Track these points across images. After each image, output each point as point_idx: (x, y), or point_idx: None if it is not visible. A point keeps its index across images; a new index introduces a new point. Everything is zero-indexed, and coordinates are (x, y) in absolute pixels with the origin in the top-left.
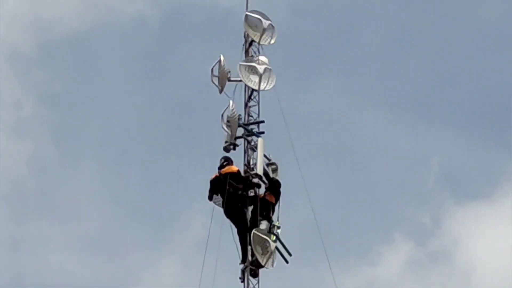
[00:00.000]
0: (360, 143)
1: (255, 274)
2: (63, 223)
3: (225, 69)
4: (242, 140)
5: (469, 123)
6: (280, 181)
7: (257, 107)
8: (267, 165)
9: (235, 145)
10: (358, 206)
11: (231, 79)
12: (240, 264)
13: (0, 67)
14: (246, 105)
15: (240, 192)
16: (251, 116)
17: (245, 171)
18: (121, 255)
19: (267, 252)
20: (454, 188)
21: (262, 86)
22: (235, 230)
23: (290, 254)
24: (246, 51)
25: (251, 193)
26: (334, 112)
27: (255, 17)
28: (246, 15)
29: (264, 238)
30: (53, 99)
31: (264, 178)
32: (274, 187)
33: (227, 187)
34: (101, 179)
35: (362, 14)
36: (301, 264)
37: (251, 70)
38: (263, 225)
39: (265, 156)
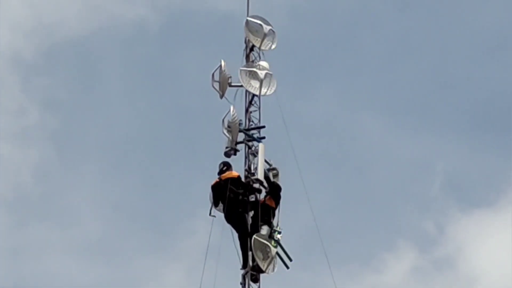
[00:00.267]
0: (361, 149)
1: (256, 279)
2: (64, 229)
3: (226, 74)
4: (243, 145)
5: (472, 130)
6: (281, 186)
7: (258, 112)
8: (268, 170)
9: (235, 150)
10: (360, 212)
11: (232, 84)
12: (241, 269)
13: (1, 72)
14: (247, 110)
15: (240, 197)
16: (252, 121)
17: (246, 176)
18: (122, 261)
19: (268, 257)
20: (458, 195)
21: (263, 91)
22: (235, 235)
23: (290, 259)
24: (247, 56)
25: (251, 199)
26: (335, 117)
27: (256, 22)
28: (247, 20)
29: (265, 243)
30: (54, 104)
31: (265, 183)
32: (274, 191)
33: (228, 192)
34: (102, 185)
35: (362, 20)
36: (302, 269)
37: (252, 75)
38: (264, 230)
39: (265, 161)
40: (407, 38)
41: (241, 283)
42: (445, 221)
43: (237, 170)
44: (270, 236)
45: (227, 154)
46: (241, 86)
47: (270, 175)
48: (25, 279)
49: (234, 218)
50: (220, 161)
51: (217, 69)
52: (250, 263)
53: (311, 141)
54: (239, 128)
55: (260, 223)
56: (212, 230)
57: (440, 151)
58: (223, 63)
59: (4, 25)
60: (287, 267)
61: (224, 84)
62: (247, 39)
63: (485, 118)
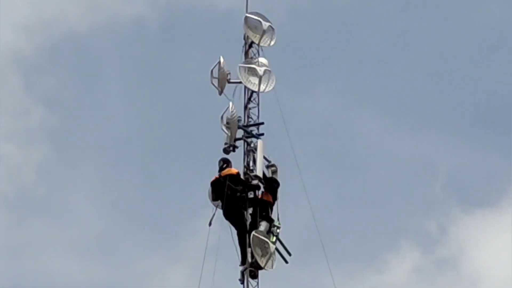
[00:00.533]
0: (360, 146)
1: (254, 276)
2: (64, 227)
3: (225, 71)
4: (241, 142)
5: (473, 129)
6: (279, 181)
7: (256, 109)
8: (267, 167)
9: (234, 147)
10: (360, 210)
11: (231, 81)
12: (239, 265)
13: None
14: (245, 107)
15: (238, 194)
16: (251, 118)
17: (245, 173)
18: (121, 260)
19: (267, 253)
20: (461, 195)
21: (262, 88)
22: (234, 231)
23: (290, 254)
24: (246, 53)
25: (250, 195)
26: (334, 114)
27: (255, 19)
28: (246, 17)
29: (264, 240)
30: (52, 102)
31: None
32: (270, 185)
33: (226, 189)
34: (101, 183)
35: (362, 17)
36: (301, 266)
37: (251, 72)
38: (262, 226)
39: (264, 157)
40: (407, 36)
41: (239, 280)
42: (448, 222)
43: (236, 167)
44: (269, 231)
45: (226, 151)
46: (240, 82)
47: (269, 171)
48: (24, 277)
49: (232, 215)
50: (219, 158)
51: (216, 65)
52: (249, 259)
53: (310, 138)
54: (238, 125)
55: (258, 219)
56: (211, 227)
57: (441, 150)
58: (222, 60)
59: (3, 22)
60: (286, 262)
61: (223, 80)
62: (246, 35)
63: (486, 117)
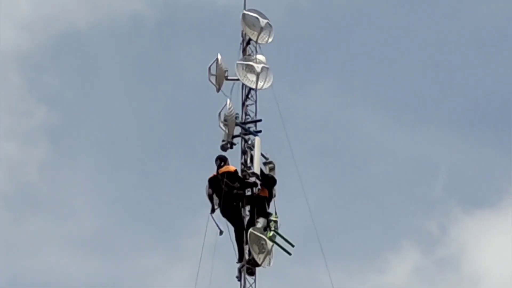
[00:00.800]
0: (358, 144)
1: (252, 273)
2: (61, 223)
3: (223, 68)
4: (239, 139)
5: (471, 127)
6: (276, 179)
7: (254, 106)
8: (264, 164)
9: (232, 144)
10: (358, 209)
11: (229, 78)
12: (237, 262)
13: None
14: (243, 104)
15: (235, 191)
16: (248, 115)
17: (242, 170)
18: (118, 256)
19: (264, 250)
20: (461, 196)
21: (260, 85)
22: (231, 228)
23: (292, 245)
24: (244, 50)
25: (248, 193)
26: (332, 111)
27: (252, 16)
28: (244, 14)
29: (261, 237)
30: (50, 99)
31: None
32: (266, 181)
33: (223, 186)
34: (99, 179)
35: (360, 14)
36: (299, 263)
37: (249, 69)
38: (260, 223)
39: (262, 155)
40: (405, 33)
41: (237, 277)
42: (448, 222)
43: (233, 164)
44: (267, 227)
45: (223, 148)
46: (238, 79)
47: (267, 168)
48: (23, 274)
49: (229, 212)
50: (216, 155)
51: (213, 62)
52: (246, 256)
53: (308, 135)
54: (236, 122)
55: (256, 216)
56: (209, 224)
57: (441, 149)
58: (219, 57)
59: (3, 21)
60: (289, 254)
61: (220, 77)
62: (243, 32)
63: (484, 115)
